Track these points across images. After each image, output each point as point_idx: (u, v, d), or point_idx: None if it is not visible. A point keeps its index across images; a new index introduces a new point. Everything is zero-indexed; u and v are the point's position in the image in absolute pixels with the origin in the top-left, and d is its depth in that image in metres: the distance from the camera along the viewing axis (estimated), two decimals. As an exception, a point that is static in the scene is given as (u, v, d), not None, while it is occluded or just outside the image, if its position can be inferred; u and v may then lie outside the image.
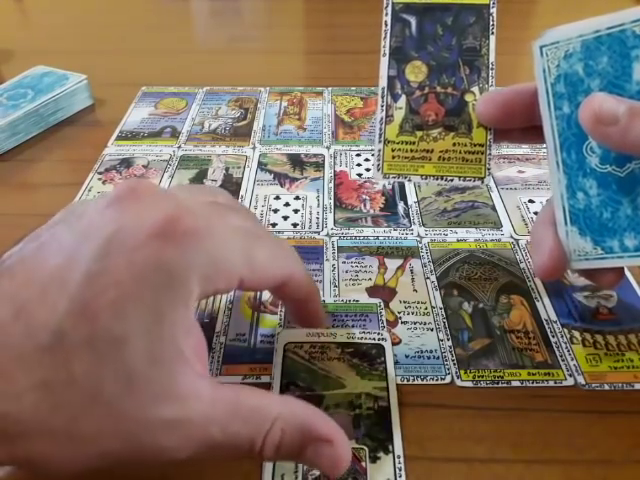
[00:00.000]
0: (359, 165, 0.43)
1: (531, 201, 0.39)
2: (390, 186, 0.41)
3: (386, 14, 0.29)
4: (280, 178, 0.42)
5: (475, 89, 0.29)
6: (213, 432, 0.19)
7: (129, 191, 0.21)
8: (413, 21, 0.29)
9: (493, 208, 0.39)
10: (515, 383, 0.27)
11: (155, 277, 0.19)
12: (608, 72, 0.23)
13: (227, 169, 0.43)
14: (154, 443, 0.19)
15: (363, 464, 0.24)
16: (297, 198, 0.40)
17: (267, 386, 0.27)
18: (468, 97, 0.29)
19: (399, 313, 0.31)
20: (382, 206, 0.39)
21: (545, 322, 0.30)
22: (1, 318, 0.18)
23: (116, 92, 0.52)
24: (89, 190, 0.40)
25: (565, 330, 0.30)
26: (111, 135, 0.47)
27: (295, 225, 0.37)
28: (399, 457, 0.24)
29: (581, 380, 0.27)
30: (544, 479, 0.24)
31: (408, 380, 0.27)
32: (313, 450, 0.20)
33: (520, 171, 0.42)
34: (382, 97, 0.29)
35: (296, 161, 0.44)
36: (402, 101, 0.29)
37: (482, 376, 0.27)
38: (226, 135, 0.47)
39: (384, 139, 0.29)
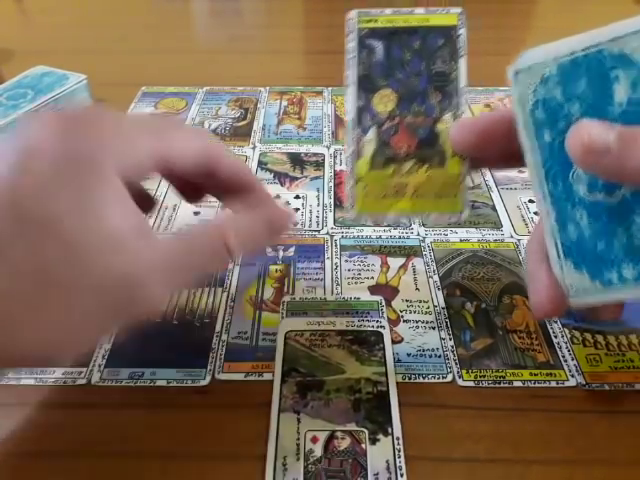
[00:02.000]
0: (359, 165, 0.43)
1: (531, 201, 0.39)
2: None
3: (350, 41, 0.27)
4: (280, 177, 0.42)
5: (448, 116, 0.27)
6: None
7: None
8: (379, 47, 0.27)
9: (493, 208, 0.39)
10: (517, 383, 0.27)
11: (69, 160, 0.19)
12: (588, 95, 0.21)
13: (227, 169, 0.43)
14: (129, 295, 0.19)
15: (363, 446, 0.24)
16: (297, 197, 0.40)
17: (269, 384, 0.27)
18: (440, 125, 0.27)
19: (401, 312, 0.31)
20: (382, 206, 0.39)
21: (547, 323, 0.30)
22: None
23: (116, 92, 0.52)
24: (89, 189, 0.40)
25: (566, 330, 0.30)
26: (111, 135, 0.47)
27: (295, 224, 0.37)
28: (398, 439, 0.25)
29: (581, 380, 0.27)
30: (544, 479, 0.24)
31: (410, 378, 0.27)
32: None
33: (520, 171, 0.42)
34: (352, 129, 0.27)
35: (296, 160, 0.44)
36: (372, 133, 0.27)
37: (484, 376, 0.27)
38: (226, 135, 0.47)
39: (355, 176, 0.27)
